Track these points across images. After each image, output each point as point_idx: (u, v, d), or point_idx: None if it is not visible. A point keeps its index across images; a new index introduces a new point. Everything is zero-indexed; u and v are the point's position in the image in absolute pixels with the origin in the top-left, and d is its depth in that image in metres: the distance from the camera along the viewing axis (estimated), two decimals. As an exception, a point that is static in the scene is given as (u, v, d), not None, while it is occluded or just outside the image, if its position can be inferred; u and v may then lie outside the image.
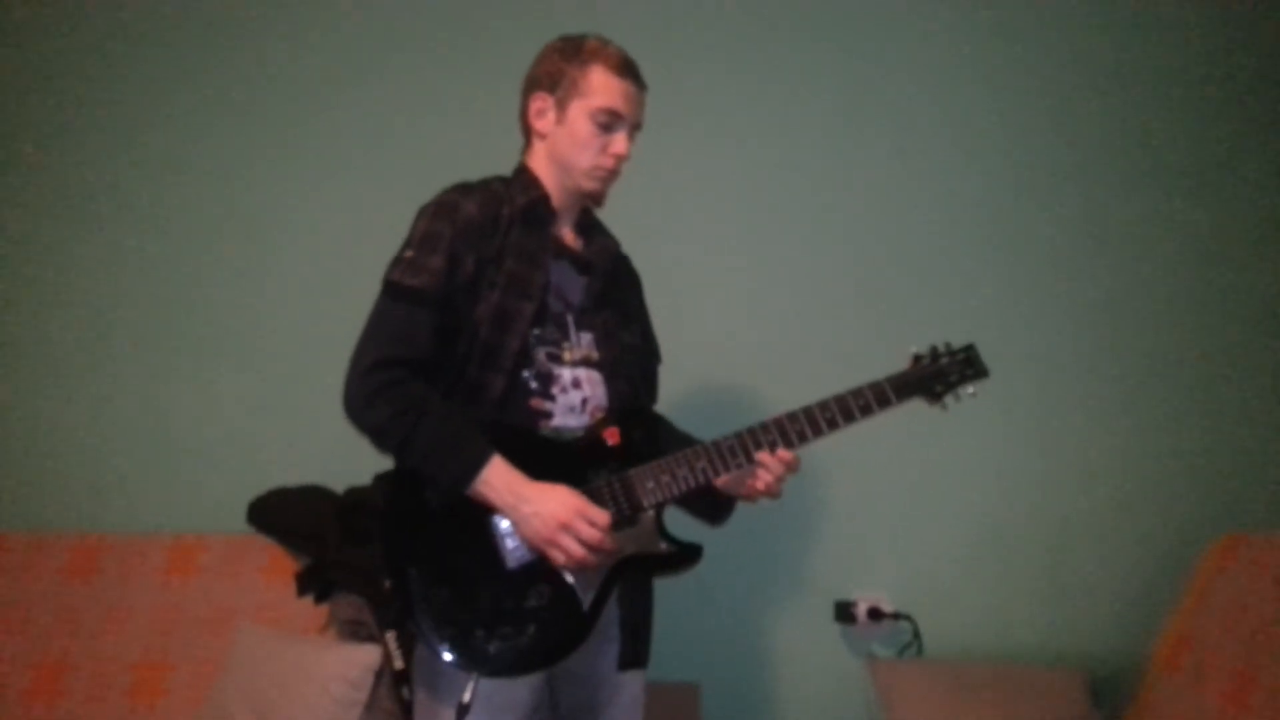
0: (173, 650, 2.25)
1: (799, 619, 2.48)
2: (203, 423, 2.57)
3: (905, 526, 2.48)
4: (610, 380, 1.65)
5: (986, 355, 2.52)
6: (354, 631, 2.16)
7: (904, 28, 2.54)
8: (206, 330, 2.59)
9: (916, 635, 2.42)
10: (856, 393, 1.62)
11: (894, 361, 2.47)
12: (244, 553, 2.35)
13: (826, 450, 2.46)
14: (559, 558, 1.45)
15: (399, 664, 2.04)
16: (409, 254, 1.53)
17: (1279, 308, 2.45)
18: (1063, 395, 2.48)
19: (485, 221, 1.56)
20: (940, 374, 1.67)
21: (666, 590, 2.51)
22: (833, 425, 1.60)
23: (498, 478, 1.45)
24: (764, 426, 1.57)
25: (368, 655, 2.05)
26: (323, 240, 2.59)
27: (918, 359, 1.68)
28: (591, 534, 1.45)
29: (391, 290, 1.51)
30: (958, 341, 1.73)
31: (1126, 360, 2.47)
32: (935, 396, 1.68)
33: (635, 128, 1.65)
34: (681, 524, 1.66)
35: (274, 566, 2.32)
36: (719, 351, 2.51)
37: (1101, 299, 2.48)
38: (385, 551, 1.47)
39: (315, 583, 2.26)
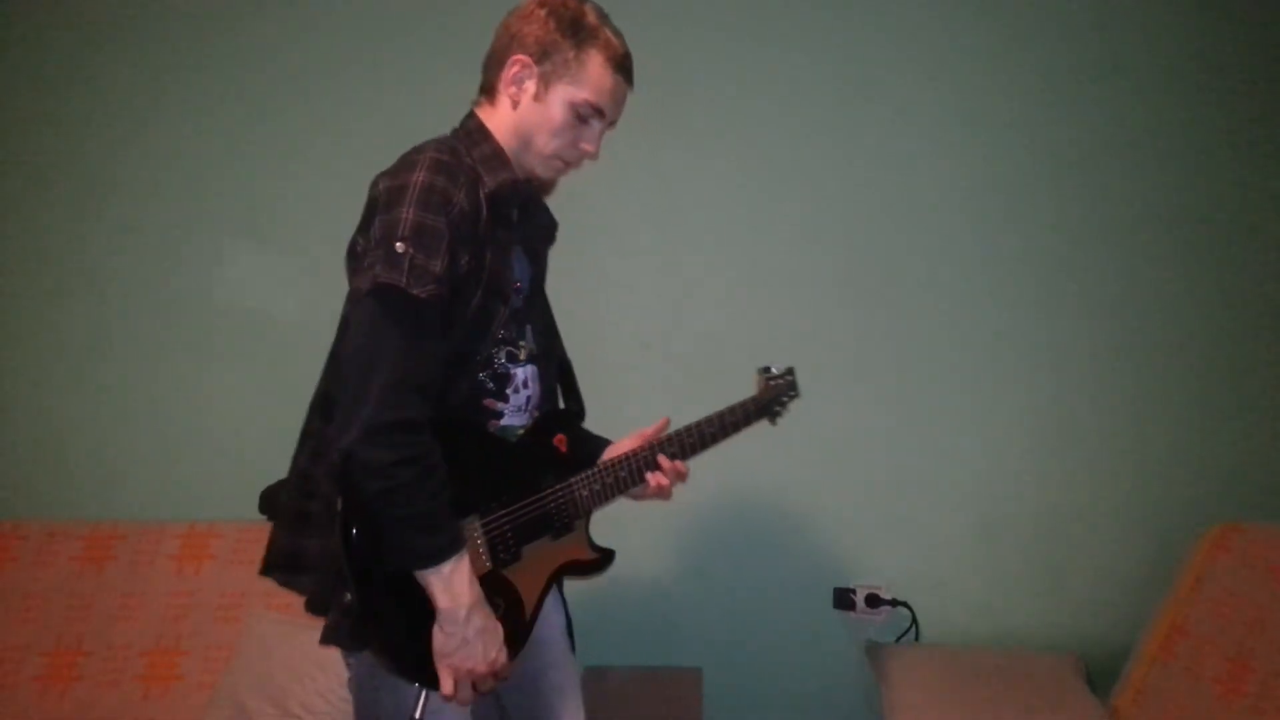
0: (185, 637, 2.27)
1: (799, 606, 2.50)
2: (215, 412, 2.58)
3: (903, 515, 2.50)
4: (544, 376, 1.57)
5: (982, 347, 2.56)
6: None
7: (902, 17, 2.53)
8: (219, 320, 2.60)
9: (914, 621, 2.45)
10: (730, 410, 1.71)
11: (886, 355, 2.52)
12: (256, 540, 2.31)
13: (826, 441, 2.51)
14: (446, 687, 1.33)
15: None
16: (407, 250, 1.29)
17: (1275, 299, 2.45)
18: (1058, 386, 2.48)
19: (472, 212, 1.37)
20: (778, 396, 1.82)
21: (669, 578, 2.56)
22: (715, 439, 1.68)
23: (459, 579, 1.31)
24: (669, 439, 1.64)
25: (376, 641, 2.07)
26: (330, 231, 2.59)
27: (765, 373, 1.83)
28: (486, 688, 1.37)
29: (399, 300, 1.29)
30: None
31: (1122, 351, 2.47)
32: (775, 416, 1.83)
33: (610, 125, 1.52)
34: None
35: (284, 554, 2.36)
36: (715, 344, 2.54)
37: (1095, 292, 2.48)
38: (349, 564, 1.31)
39: (324, 570, 2.29)
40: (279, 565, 1.47)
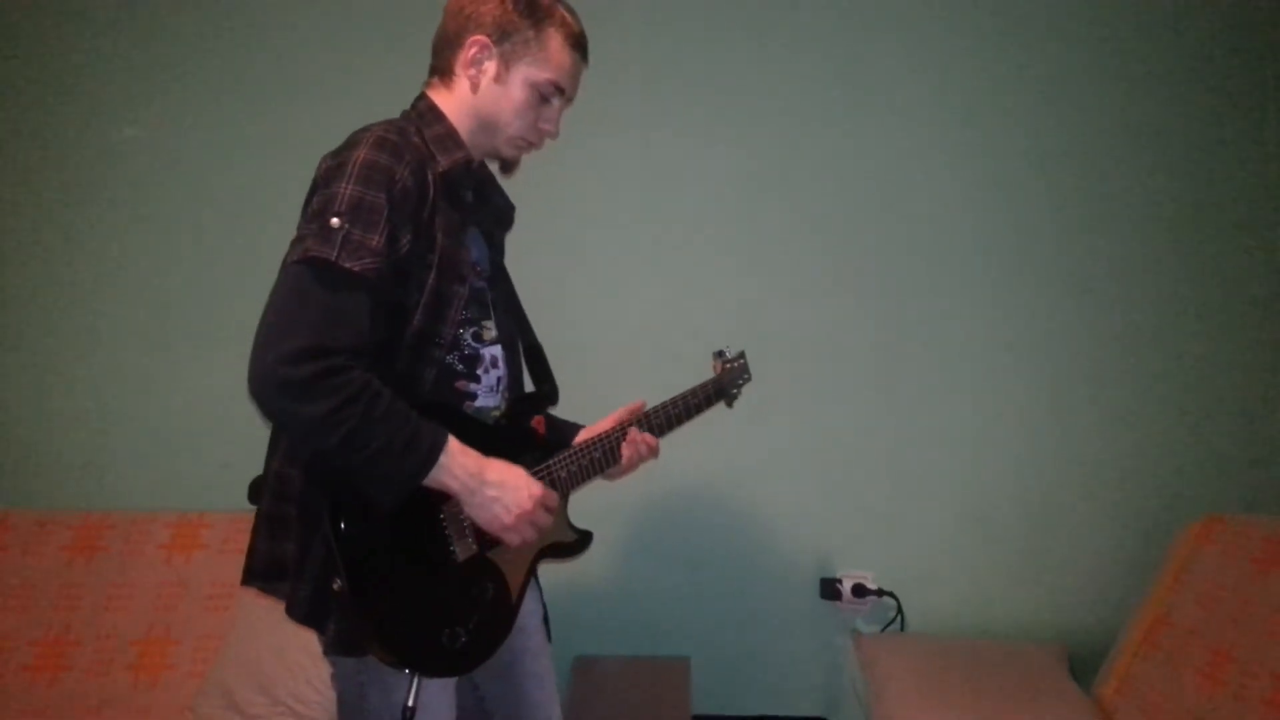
0: (175, 625, 2.28)
1: (786, 595, 2.52)
2: (204, 403, 2.58)
3: (889, 506, 2.51)
4: (511, 358, 1.57)
5: (970, 341, 2.57)
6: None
7: (901, 14, 2.53)
8: (208, 313, 2.60)
9: (900, 611, 2.47)
10: (692, 392, 1.76)
11: (875, 348, 2.52)
12: (246, 530, 2.31)
13: (814, 432, 2.52)
14: (514, 540, 1.39)
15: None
16: (342, 225, 1.26)
17: (1260, 293, 2.46)
18: (1044, 378, 2.50)
19: (417, 190, 1.34)
20: (734, 379, 1.86)
21: (657, 569, 2.57)
22: (680, 419, 1.74)
23: (457, 462, 1.31)
24: (639, 419, 1.68)
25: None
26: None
27: (720, 356, 1.86)
28: (547, 521, 1.43)
29: (326, 271, 1.24)
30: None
31: (1107, 345, 2.48)
32: (731, 399, 1.87)
33: (568, 103, 1.53)
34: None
35: (274, 544, 2.36)
36: (711, 340, 2.54)
37: (1083, 285, 2.49)
38: (339, 545, 1.27)
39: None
40: (261, 574, 1.43)
